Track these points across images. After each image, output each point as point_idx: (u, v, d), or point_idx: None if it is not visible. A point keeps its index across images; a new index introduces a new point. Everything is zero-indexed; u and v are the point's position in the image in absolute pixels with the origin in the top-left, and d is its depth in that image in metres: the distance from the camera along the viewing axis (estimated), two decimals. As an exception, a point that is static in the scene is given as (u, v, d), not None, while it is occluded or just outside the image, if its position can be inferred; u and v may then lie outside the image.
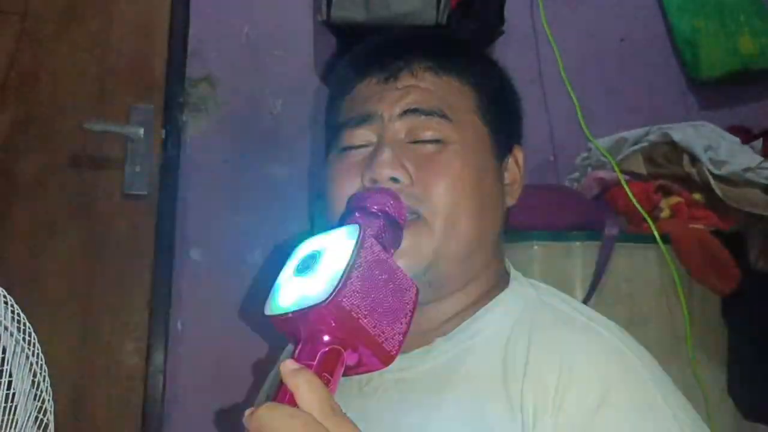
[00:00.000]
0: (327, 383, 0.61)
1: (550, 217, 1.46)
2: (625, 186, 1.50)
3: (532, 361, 0.76)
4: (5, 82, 1.69)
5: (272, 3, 1.80)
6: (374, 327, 0.63)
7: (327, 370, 0.61)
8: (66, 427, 1.59)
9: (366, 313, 0.62)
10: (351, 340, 0.63)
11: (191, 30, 1.76)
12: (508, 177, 0.88)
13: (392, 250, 0.75)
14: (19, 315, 0.69)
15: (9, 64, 1.69)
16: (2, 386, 0.67)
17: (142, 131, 1.66)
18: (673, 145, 1.58)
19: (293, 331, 0.64)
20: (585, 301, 1.36)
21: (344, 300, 0.62)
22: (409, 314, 0.65)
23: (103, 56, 1.73)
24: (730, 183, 1.52)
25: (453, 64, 0.85)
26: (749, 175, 1.51)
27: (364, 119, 0.84)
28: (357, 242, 0.64)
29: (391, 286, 0.65)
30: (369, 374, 0.79)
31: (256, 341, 1.60)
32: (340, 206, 0.82)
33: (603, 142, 1.63)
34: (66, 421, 1.59)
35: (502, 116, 0.87)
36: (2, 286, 0.69)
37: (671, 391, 0.77)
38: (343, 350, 0.63)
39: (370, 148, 0.83)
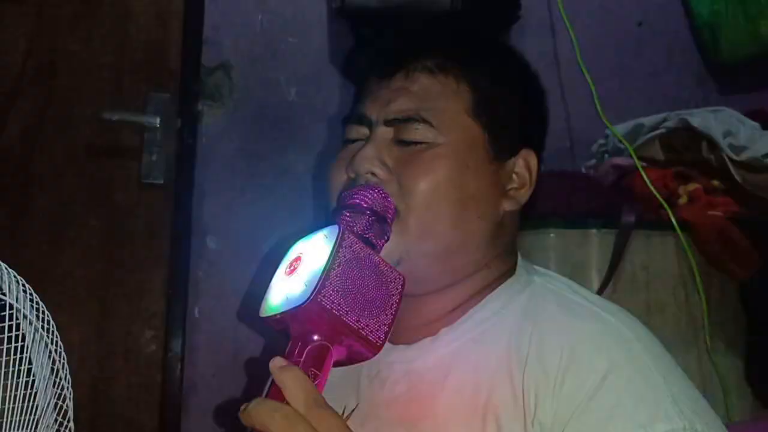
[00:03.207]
0: (315, 378, 0.65)
1: (567, 205, 1.45)
2: (643, 173, 1.48)
3: (535, 346, 0.78)
4: (22, 71, 1.70)
5: (287, -10, 1.80)
6: (357, 321, 0.67)
7: (315, 366, 0.66)
8: (85, 414, 1.62)
9: (347, 309, 0.66)
10: (336, 335, 0.67)
11: (206, 18, 1.76)
12: (515, 180, 0.86)
13: (382, 242, 0.77)
14: (38, 303, 0.70)
15: (26, 53, 1.70)
16: (22, 373, 0.68)
17: (158, 120, 1.67)
18: (691, 130, 1.56)
19: (285, 329, 0.69)
20: (601, 289, 1.36)
21: (324, 299, 0.66)
22: (395, 304, 0.69)
23: (118, 45, 1.73)
24: (750, 169, 1.50)
25: (453, 64, 0.85)
26: (769, 161, 1.50)
27: (359, 118, 0.87)
28: (335, 243, 0.68)
29: (374, 280, 0.69)
30: (378, 365, 0.83)
31: (272, 327, 1.61)
32: (331, 198, 0.85)
33: (620, 129, 1.62)
34: (85, 407, 1.62)
35: (506, 118, 0.85)
36: (21, 275, 0.70)
37: (675, 375, 0.77)
38: (330, 345, 0.67)
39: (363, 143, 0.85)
